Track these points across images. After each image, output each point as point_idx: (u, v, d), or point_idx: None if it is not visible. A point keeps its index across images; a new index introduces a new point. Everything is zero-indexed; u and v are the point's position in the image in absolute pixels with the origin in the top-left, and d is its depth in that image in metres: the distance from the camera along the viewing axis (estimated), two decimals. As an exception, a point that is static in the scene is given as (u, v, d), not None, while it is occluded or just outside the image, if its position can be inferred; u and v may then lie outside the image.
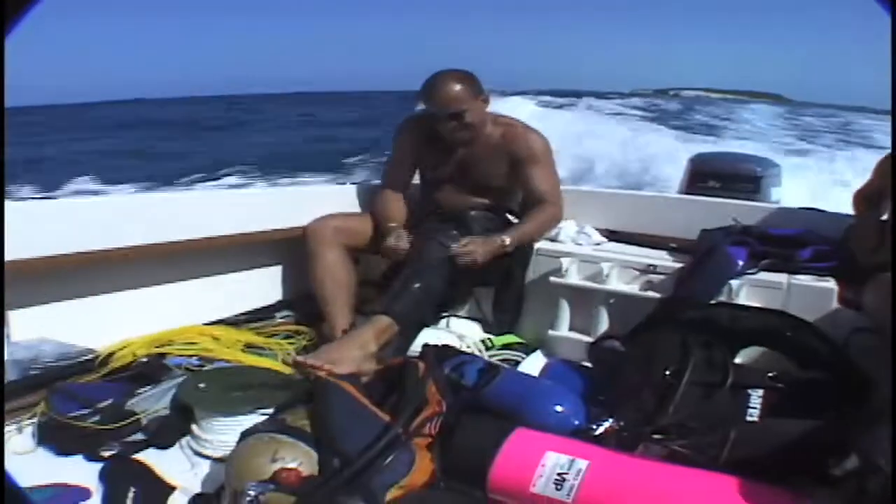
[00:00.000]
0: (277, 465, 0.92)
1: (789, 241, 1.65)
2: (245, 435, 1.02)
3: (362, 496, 0.89)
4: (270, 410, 1.26)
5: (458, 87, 1.81)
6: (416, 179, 2.11)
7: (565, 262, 1.81)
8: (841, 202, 1.93)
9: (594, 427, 1.20)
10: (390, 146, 2.11)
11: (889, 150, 1.65)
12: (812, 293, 1.54)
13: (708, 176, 3.24)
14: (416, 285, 1.65)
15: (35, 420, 1.33)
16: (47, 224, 1.48)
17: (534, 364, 1.73)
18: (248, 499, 0.86)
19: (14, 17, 0.61)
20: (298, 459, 0.94)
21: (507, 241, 1.80)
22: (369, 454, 0.90)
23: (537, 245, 1.91)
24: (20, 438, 1.30)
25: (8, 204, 1.43)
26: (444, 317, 1.93)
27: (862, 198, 1.67)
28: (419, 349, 1.61)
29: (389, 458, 0.92)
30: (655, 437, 1.14)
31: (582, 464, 1.02)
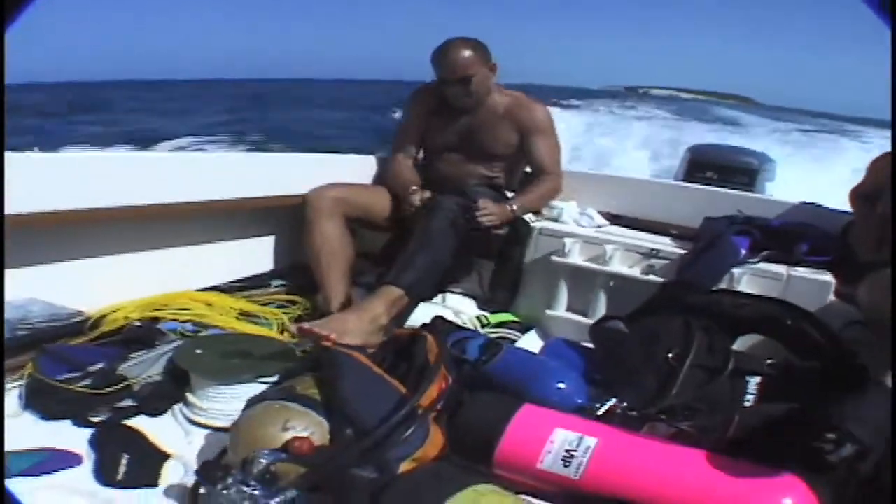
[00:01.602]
0: (289, 434, 0.89)
1: (790, 234, 1.67)
2: (253, 402, 0.99)
3: (376, 467, 0.87)
4: (269, 380, 1.23)
5: (466, 52, 1.85)
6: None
7: (568, 242, 1.80)
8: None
9: (597, 406, 1.21)
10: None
11: (882, 150, 1.67)
12: (810, 285, 1.56)
13: (706, 166, 3.28)
14: (424, 257, 1.63)
15: (22, 382, 1.28)
16: (39, 178, 1.40)
17: (529, 343, 1.73)
18: (259, 468, 0.83)
19: (13, 12, 0.58)
20: (310, 428, 0.91)
21: (515, 207, 1.87)
22: (388, 425, 0.88)
23: (539, 224, 1.90)
24: (6, 401, 1.25)
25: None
26: (440, 292, 1.91)
27: (858, 196, 1.69)
28: (415, 323, 1.59)
29: (409, 432, 0.91)
30: (661, 417, 1.14)
31: (590, 441, 1.02)
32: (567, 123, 9.73)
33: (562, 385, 1.25)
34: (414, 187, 1.90)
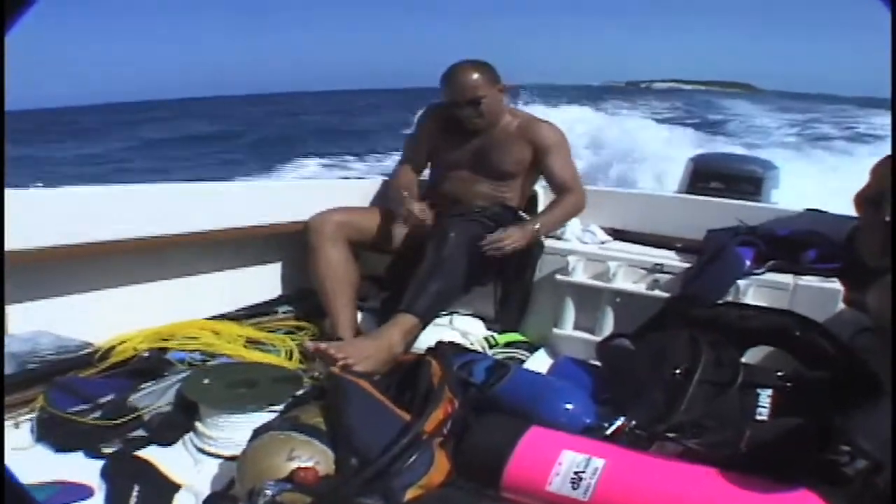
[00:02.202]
0: (294, 464, 0.90)
1: (795, 243, 1.66)
2: (258, 432, 0.99)
3: (382, 496, 0.87)
4: (278, 408, 1.24)
5: (475, 75, 1.87)
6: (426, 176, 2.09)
7: (572, 260, 1.80)
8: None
9: (605, 425, 1.20)
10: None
11: (885, 153, 1.67)
12: (818, 294, 1.55)
13: (710, 176, 3.26)
14: (437, 283, 1.62)
15: (33, 415, 1.29)
16: (45, 213, 1.43)
17: (538, 363, 1.72)
18: (265, 499, 0.83)
19: (13, 13, 0.59)
20: (315, 458, 0.91)
21: (538, 226, 1.83)
22: (391, 454, 0.88)
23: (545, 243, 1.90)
24: (17, 434, 1.26)
25: (6, 192, 1.39)
26: (448, 313, 1.91)
27: (863, 200, 1.68)
28: (421, 346, 1.59)
29: (412, 459, 0.90)
30: (670, 435, 1.13)
31: (598, 462, 1.01)
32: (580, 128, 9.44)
33: (569, 405, 1.25)
34: (406, 193, 1.85)
